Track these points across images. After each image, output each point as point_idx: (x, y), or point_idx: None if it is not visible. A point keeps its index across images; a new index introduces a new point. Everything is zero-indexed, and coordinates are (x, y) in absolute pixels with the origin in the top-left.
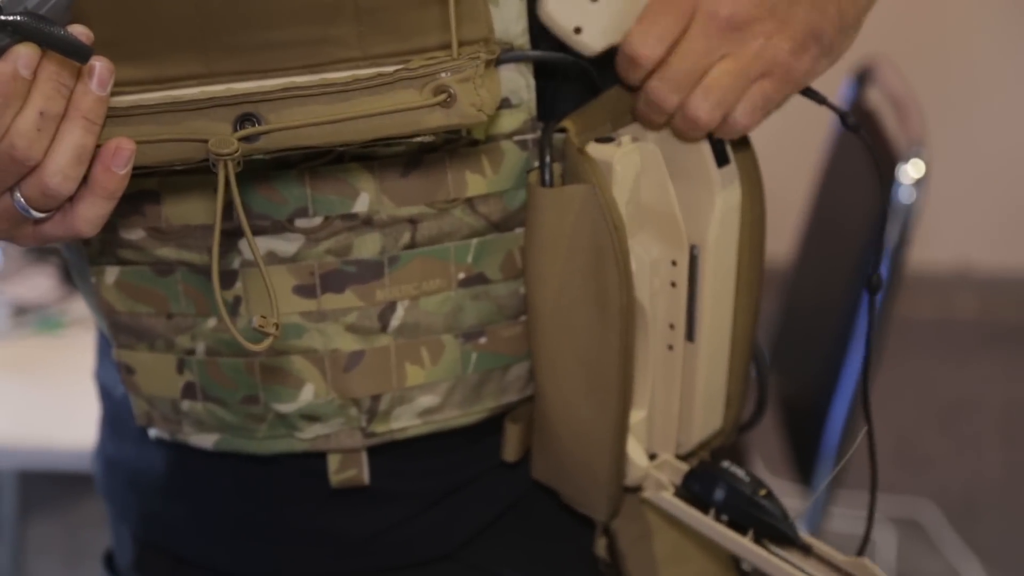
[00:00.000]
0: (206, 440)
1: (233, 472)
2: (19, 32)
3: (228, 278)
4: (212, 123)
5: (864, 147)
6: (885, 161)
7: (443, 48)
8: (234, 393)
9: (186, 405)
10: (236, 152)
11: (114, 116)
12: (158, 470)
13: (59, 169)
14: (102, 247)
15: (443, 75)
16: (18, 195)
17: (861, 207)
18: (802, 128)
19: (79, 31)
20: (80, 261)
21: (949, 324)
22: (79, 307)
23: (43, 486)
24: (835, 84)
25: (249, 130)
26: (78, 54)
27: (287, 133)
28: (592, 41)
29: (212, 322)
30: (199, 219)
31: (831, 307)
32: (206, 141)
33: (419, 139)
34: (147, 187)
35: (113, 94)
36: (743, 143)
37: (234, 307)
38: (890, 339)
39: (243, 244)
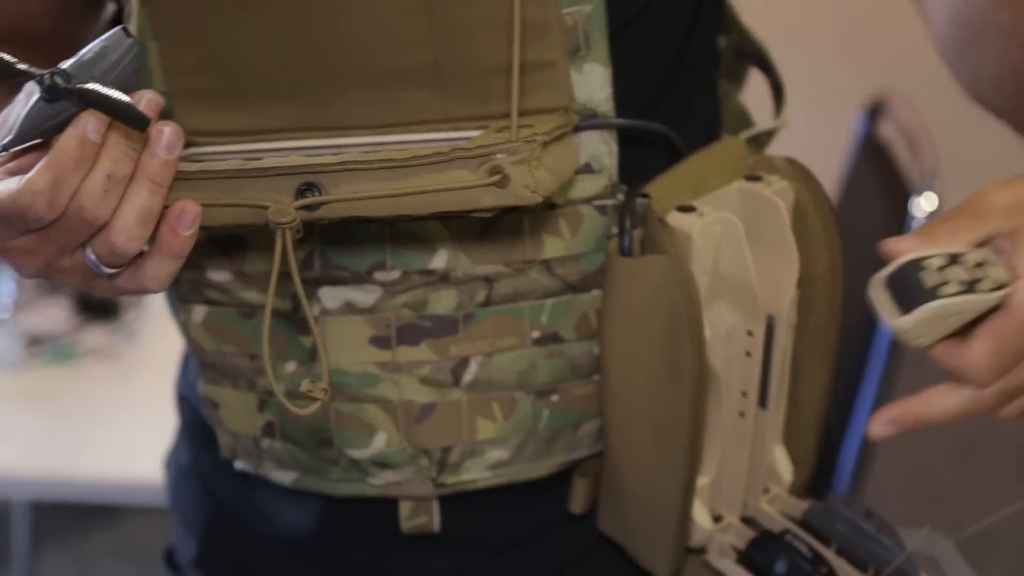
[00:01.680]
0: (285, 477)
1: (309, 508)
2: (84, 100)
3: (306, 326)
4: (275, 192)
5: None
6: (898, 195)
7: (528, 113)
8: (310, 436)
9: (266, 443)
10: (294, 221)
11: (182, 179)
12: (235, 490)
13: (125, 229)
14: (191, 287)
15: (498, 156)
16: (89, 252)
17: (873, 241)
18: (814, 163)
19: (148, 97)
20: (172, 297)
21: None
22: (92, 338)
23: (55, 517)
24: (848, 117)
25: (308, 200)
26: (137, 122)
27: (345, 204)
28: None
29: (291, 366)
30: (280, 267)
31: (844, 340)
32: (267, 208)
33: (479, 214)
34: (234, 232)
35: (208, 143)
36: (828, 211)
37: (312, 354)
38: (903, 372)
39: (323, 293)
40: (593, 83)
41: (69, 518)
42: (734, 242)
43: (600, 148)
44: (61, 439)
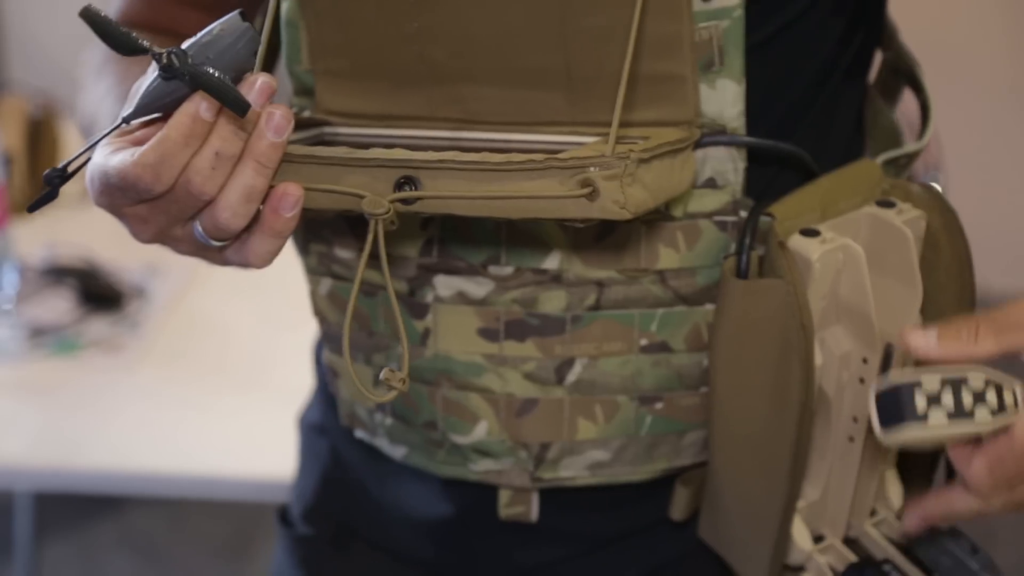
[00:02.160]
0: (395, 452)
1: (418, 483)
2: (193, 81)
3: (420, 310)
4: (374, 181)
5: None
6: None
7: (649, 125)
8: (417, 417)
9: (379, 417)
10: (387, 213)
11: (288, 162)
12: (356, 456)
13: (229, 205)
14: (319, 259)
15: (591, 170)
16: (197, 225)
17: None
18: None
19: (262, 81)
20: (304, 267)
21: None
22: (95, 329)
23: (58, 508)
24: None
25: (402, 194)
26: (237, 107)
27: (439, 202)
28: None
29: (407, 371)
30: (401, 250)
31: None
32: (363, 197)
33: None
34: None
35: (343, 123)
36: (961, 241)
37: (423, 339)
38: None
39: (438, 280)
40: (725, 99)
41: (72, 509)
42: (855, 270)
43: (726, 165)
44: (64, 430)
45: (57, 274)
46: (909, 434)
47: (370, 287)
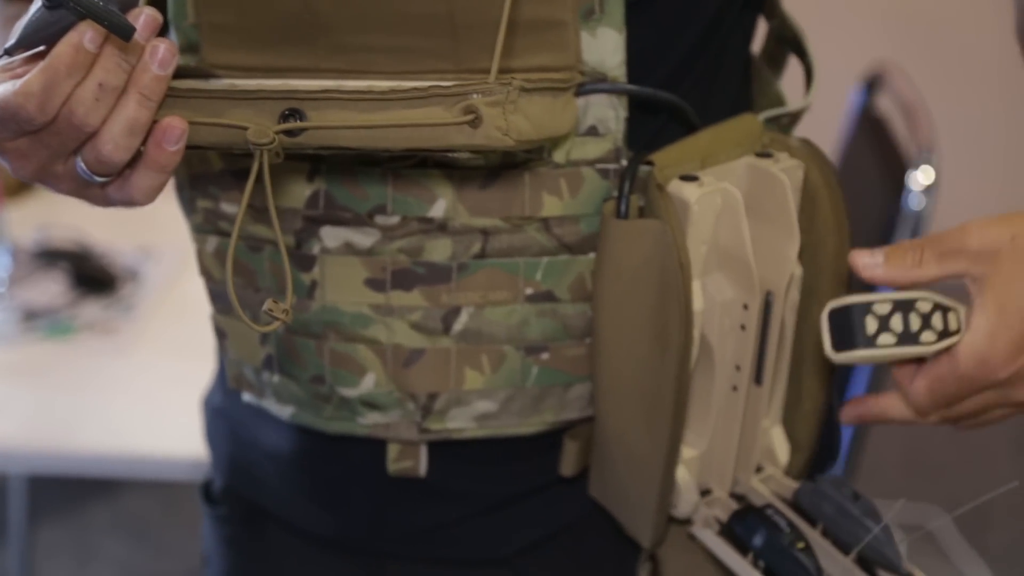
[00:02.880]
0: (283, 411)
1: (308, 445)
2: (77, 7)
3: (307, 262)
4: (259, 115)
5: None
6: (895, 168)
7: (531, 71)
8: (304, 371)
9: (266, 375)
10: (272, 143)
11: (174, 97)
12: (249, 428)
13: (112, 138)
14: (205, 217)
15: (473, 96)
16: (79, 160)
17: (871, 214)
18: (811, 136)
19: (147, 13)
20: (190, 226)
21: None
22: (89, 312)
23: (52, 491)
24: (844, 90)
25: (287, 125)
26: (122, 31)
27: (325, 132)
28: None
29: (293, 300)
30: (287, 202)
31: None
32: (247, 129)
33: (458, 154)
34: (247, 166)
35: (227, 77)
36: (839, 195)
37: (310, 291)
38: None
39: (325, 232)
40: (606, 48)
41: (66, 492)
42: (733, 215)
43: (607, 113)
44: (57, 413)
45: (50, 257)
46: (858, 355)
47: (255, 241)
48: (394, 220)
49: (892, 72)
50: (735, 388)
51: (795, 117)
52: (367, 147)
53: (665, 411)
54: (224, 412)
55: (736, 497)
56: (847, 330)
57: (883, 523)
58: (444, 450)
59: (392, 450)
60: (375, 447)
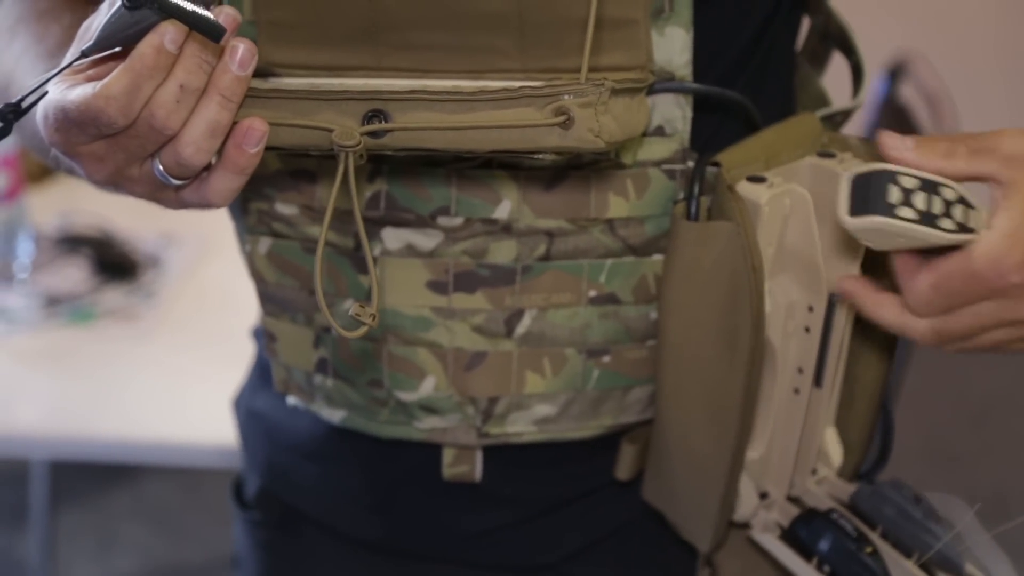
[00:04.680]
0: (334, 415)
1: (358, 448)
2: (162, 9)
3: (367, 265)
4: (342, 116)
5: None
6: None
7: (603, 70)
8: (361, 375)
9: (318, 379)
10: (358, 145)
11: (254, 97)
12: (292, 430)
13: (192, 141)
14: (259, 217)
15: (565, 97)
16: (157, 163)
17: None
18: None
19: (227, 12)
20: (240, 228)
21: None
22: (110, 298)
23: (74, 476)
24: (869, 79)
25: (373, 126)
26: (213, 32)
27: (411, 134)
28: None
29: (348, 303)
30: (347, 203)
31: None
32: (332, 131)
33: (542, 156)
34: (306, 166)
35: (288, 75)
36: None
37: (370, 294)
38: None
39: (386, 233)
40: (673, 47)
41: (88, 478)
42: (802, 215)
43: (674, 112)
44: (79, 399)
45: (72, 243)
46: (874, 221)
47: (312, 243)
48: (458, 221)
49: (916, 61)
50: (797, 391)
51: (847, 115)
52: (453, 149)
53: (732, 415)
54: (260, 414)
55: (792, 500)
56: (868, 196)
57: (956, 530)
58: (499, 454)
59: (448, 455)
60: (430, 451)
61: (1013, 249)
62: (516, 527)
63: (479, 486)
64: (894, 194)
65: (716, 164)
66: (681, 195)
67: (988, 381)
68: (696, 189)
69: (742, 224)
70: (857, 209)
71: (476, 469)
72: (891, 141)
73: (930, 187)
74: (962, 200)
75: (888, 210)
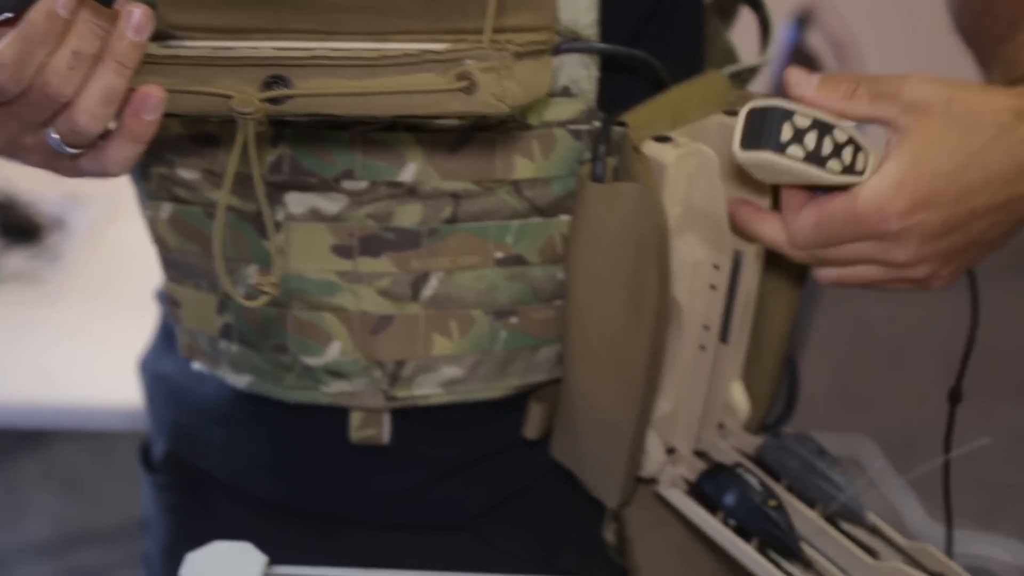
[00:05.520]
0: (239, 380)
1: (264, 413)
2: None
3: (274, 229)
4: (242, 82)
5: None
6: None
7: (511, 32)
8: (266, 341)
9: (223, 345)
10: (257, 112)
11: (151, 63)
12: (198, 394)
13: (87, 108)
14: (160, 183)
15: (468, 62)
16: (52, 131)
17: None
18: None
19: None
20: (141, 192)
21: None
22: (14, 262)
23: None
24: (776, 27)
25: (273, 92)
26: None
27: (312, 100)
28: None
29: (252, 269)
30: (248, 169)
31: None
32: (231, 97)
33: (445, 121)
34: (208, 131)
35: (187, 37)
36: None
37: (276, 258)
38: (826, 295)
39: (289, 198)
40: (579, 6)
41: None
42: (708, 175)
43: (580, 73)
44: None
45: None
46: (762, 157)
47: (214, 208)
48: (362, 185)
49: (823, 8)
50: (703, 347)
51: (754, 72)
52: (355, 115)
53: (638, 373)
54: (165, 377)
55: (699, 455)
56: (761, 130)
57: (856, 484)
58: (407, 416)
59: (355, 418)
60: (337, 415)
61: (897, 197)
62: (426, 488)
63: (388, 448)
64: (786, 131)
65: (622, 124)
66: (587, 156)
67: (898, 323)
68: (602, 150)
69: (647, 185)
70: (749, 143)
71: (384, 432)
72: (794, 78)
73: (823, 128)
74: (853, 142)
75: (778, 147)
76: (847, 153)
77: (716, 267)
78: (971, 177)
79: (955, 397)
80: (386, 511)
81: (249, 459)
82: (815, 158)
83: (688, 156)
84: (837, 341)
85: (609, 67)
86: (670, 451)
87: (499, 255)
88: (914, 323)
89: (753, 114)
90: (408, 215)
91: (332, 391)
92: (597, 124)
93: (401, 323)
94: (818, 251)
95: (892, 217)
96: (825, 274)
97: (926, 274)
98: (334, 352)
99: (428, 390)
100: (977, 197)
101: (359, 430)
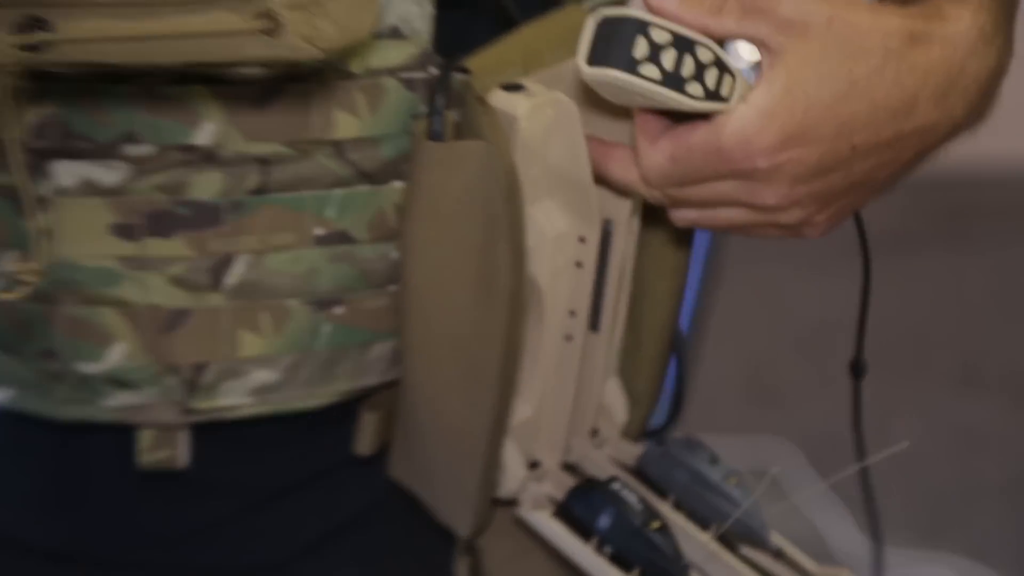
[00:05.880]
0: (1, 395)
1: (31, 435)
2: None
3: (36, 206)
4: None
5: None
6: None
7: None
8: (29, 344)
9: None
10: (10, 62)
11: None
12: None
13: None
14: None
15: None
16: None
17: None
18: None
19: None
20: None
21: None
22: None
23: None
24: None
25: (30, 36)
26: None
27: (80, 46)
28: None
29: (12, 257)
30: (6, 132)
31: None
32: None
33: (246, 70)
34: None
35: None
36: None
37: (39, 242)
38: (733, 246)
39: (57, 168)
40: None
41: None
42: (568, 128)
43: (411, 9)
44: None
45: None
46: (612, 75)
47: None
48: (147, 150)
49: None
50: (569, 337)
51: (620, 5)
52: (135, 64)
53: (490, 370)
54: None
55: (568, 468)
56: (611, 45)
57: (752, 499)
58: (211, 433)
59: (145, 437)
60: (122, 435)
61: (766, 129)
62: (235, 521)
63: (186, 474)
64: (640, 47)
65: (464, 70)
66: (423, 109)
67: (809, 304)
68: (440, 102)
69: (496, 142)
70: (597, 58)
71: (181, 453)
72: None
73: (684, 45)
74: (719, 63)
75: (629, 65)
76: (711, 76)
77: (582, 240)
78: (853, 108)
79: (857, 370)
80: (186, 551)
81: (16, 495)
82: (673, 80)
83: (544, 107)
84: (744, 327)
85: (447, 3)
86: (533, 465)
87: (319, 232)
88: (833, 301)
89: (603, 25)
90: (205, 186)
91: (114, 405)
92: (434, 71)
93: (200, 318)
94: (675, 190)
95: (759, 153)
96: (682, 215)
97: (799, 219)
98: (116, 356)
99: (235, 400)
100: (860, 132)
101: (150, 452)
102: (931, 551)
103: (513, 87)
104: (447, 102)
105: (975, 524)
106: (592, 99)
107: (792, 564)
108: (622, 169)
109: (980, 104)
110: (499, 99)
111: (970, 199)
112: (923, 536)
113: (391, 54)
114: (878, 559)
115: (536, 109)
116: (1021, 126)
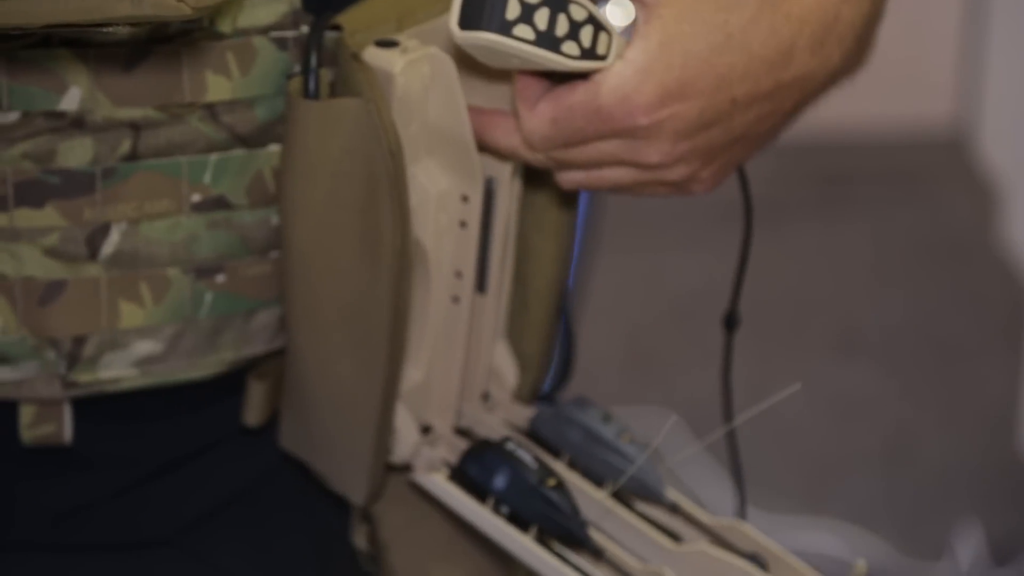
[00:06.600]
0: None
1: None
2: None
3: None
4: None
5: None
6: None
7: None
8: None
9: None
10: None
11: None
12: None
13: None
14: None
15: None
16: None
17: None
18: None
19: None
20: None
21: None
22: None
23: None
24: None
25: None
26: None
27: None
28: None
29: None
30: None
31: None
32: None
33: (114, 28)
34: None
35: None
36: None
37: None
38: (610, 216)
39: None
40: None
41: None
42: (445, 84)
43: None
44: None
45: None
46: (485, 38)
47: None
48: (12, 117)
49: None
50: (456, 299)
51: None
52: None
53: (379, 334)
54: None
55: (462, 432)
56: (483, 6)
57: (650, 449)
58: (94, 408)
59: (26, 413)
60: (2, 411)
61: (644, 86)
62: (120, 496)
63: (70, 449)
64: (512, 7)
65: (336, 28)
66: (297, 69)
67: (684, 273)
68: (313, 60)
69: (373, 99)
70: (469, 21)
71: (65, 428)
72: None
73: (557, 4)
74: (593, 21)
75: (503, 27)
76: (586, 35)
77: (465, 199)
78: (730, 60)
79: (730, 322)
80: (73, 529)
81: None
82: (547, 40)
83: (420, 62)
84: (623, 296)
85: None
86: (425, 430)
87: (196, 198)
88: (714, 268)
89: None
90: (76, 153)
91: None
92: (306, 29)
93: (77, 289)
94: (558, 152)
95: (639, 110)
96: (568, 178)
97: (684, 175)
98: None
99: (118, 372)
100: (739, 85)
101: (31, 428)
102: (813, 516)
103: (388, 43)
104: (320, 60)
105: (856, 489)
106: (468, 63)
107: (688, 517)
108: (504, 136)
109: (856, 51)
110: (374, 56)
111: (846, 164)
112: (805, 502)
113: (261, 13)
114: (741, 504)
115: (412, 65)
116: (896, 90)
